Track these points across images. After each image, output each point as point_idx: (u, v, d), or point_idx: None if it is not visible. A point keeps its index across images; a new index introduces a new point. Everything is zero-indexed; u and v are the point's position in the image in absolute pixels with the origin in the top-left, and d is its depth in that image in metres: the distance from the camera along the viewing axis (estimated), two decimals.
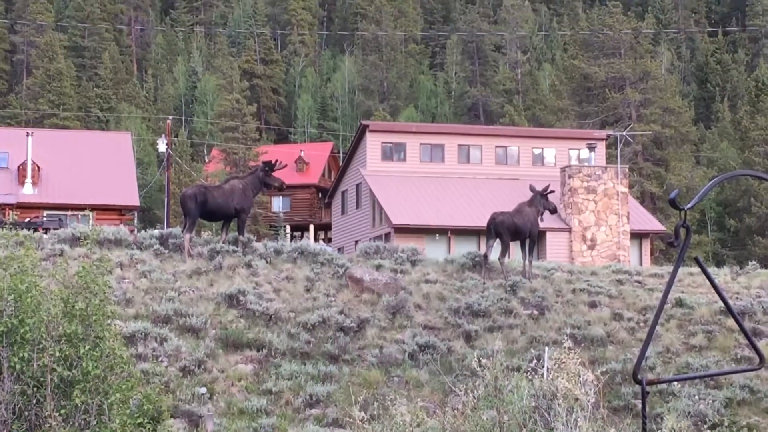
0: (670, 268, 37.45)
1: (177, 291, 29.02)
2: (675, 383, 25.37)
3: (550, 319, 30.09)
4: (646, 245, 55.74)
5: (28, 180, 58.44)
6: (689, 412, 23.48)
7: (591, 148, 55.40)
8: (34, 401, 11.94)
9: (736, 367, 26.53)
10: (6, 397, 11.80)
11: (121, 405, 12.44)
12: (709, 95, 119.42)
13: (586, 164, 54.67)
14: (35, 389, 11.98)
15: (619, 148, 61.20)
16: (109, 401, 12.18)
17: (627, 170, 55.76)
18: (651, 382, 3.06)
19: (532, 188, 35.08)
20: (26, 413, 11.89)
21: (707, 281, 32.86)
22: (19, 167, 58.84)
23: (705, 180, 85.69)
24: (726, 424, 22.05)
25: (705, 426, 20.96)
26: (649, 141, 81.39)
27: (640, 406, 24.30)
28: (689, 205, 2.93)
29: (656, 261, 63.24)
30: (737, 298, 32.19)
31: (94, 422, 11.89)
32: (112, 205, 58.54)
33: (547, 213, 35.24)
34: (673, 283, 3.33)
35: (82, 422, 11.90)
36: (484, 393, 14.87)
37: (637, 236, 54.62)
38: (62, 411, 11.84)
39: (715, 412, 24.54)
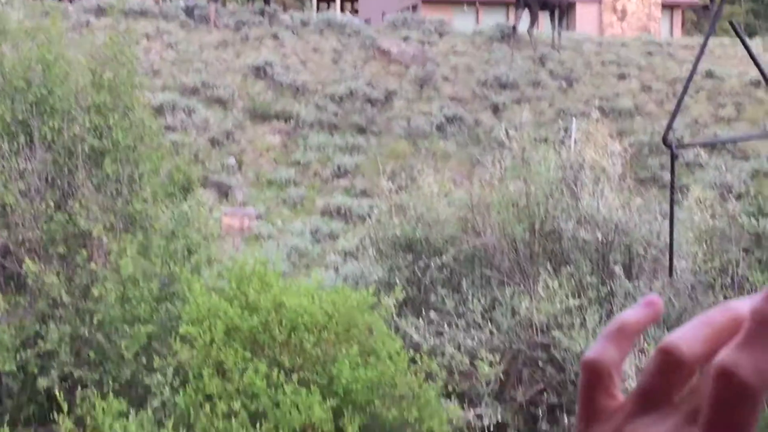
0: (702, 40, 36.78)
1: (204, 62, 28.93)
2: (702, 153, 25.38)
3: (578, 90, 29.94)
4: (678, 16, 54.80)
5: None
6: (715, 183, 23.58)
7: None
8: (66, 170, 12.07)
9: (765, 132, 26.41)
10: (38, 166, 11.93)
11: (151, 174, 12.57)
12: None
13: None
14: (66, 158, 12.09)
15: None
16: (140, 171, 12.30)
17: None
18: (681, 146, 3.05)
19: None
20: (59, 182, 12.04)
21: (739, 52, 32.34)
22: None
23: None
24: (752, 194, 22.13)
25: (730, 196, 21.07)
26: None
27: (667, 177, 24.42)
28: None
29: (687, 32, 62.29)
30: None
31: (126, 191, 12.04)
32: None
33: None
34: (704, 53, 3.26)
35: (114, 191, 12.06)
36: (511, 164, 14.93)
37: (669, 7, 53.63)
38: (94, 180, 11.98)
39: (741, 183, 24.65)
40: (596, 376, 0.71)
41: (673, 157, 2.81)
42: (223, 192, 23.46)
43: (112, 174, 12.00)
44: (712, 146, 26.32)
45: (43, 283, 11.24)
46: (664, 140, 2.83)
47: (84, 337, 11.13)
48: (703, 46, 3.38)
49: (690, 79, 3.18)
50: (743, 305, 0.67)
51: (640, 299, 0.74)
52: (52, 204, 11.69)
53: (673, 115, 2.87)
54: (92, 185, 11.84)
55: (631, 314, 0.73)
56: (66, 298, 11.20)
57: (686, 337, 0.68)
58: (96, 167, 12.14)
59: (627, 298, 12.86)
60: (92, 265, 11.40)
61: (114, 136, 12.16)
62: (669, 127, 2.83)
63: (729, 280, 13.58)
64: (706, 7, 52.82)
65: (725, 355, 0.64)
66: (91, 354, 10.97)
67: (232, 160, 24.86)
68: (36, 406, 11.01)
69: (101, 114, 12.21)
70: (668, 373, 0.68)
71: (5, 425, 10.37)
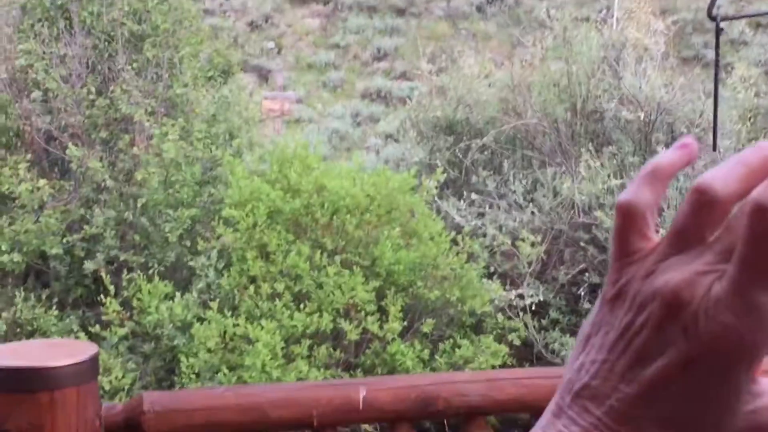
0: None
1: None
2: (747, 30, 24.96)
3: None
4: None
5: None
6: (760, 61, 23.25)
7: None
8: (106, 55, 12.08)
9: None
10: (78, 51, 11.94)
11: (191, 59, 12.55)
12: None
13: None
14: (106, 43, 12.09)
15: None
16: (180, 55, 12.29)
17: None
18: (726, 18, 3.00)
19: None
20: (99, 67, 12.05)
21: None
22: None
23: None
24: None
25: None
26: None
27: (710, 55, 24.12)
28: None
29: None
30: None
31: (166, 76, 12.04)
32: None
33: None
34: None
35: (154, 76, 12.06)
36: (552, 44, 14.79)
37: None
38: (134, 65, 11.98)
39: None
40: (630, 218, 0.71)
41: (718, 32, 2.77)
42: (263, 76, 23.43)
43: (152, 58, 12.00)
44: (757, 23, 25.91)
45: (87, 168, 11.34)
46: (709, 13, 2.78)
47: (128, 221, 11.25)
48: None
49: None
50: None
51: (676, 143, 0.75)
52: (93, 89, 11.72)
53: None
54: (133, 70, 11.84)
55: (665, 157, 0.73)
56: (110, 183, 11.30)
57: (720, 175, 0.68)
58: (136, 52, 12.14)
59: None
60: (135, 149, 11.47)
61: (153, 20, 12.12)
62: (713, 0, 2.78)
63: None
64: None
65: (760, 191, 0.65)
66: (136, 237, 11.10)
67: (271, 44, 24.76)
68: (83, 288, 11.18)
69: None
70: (702, 212, 0.68)
71: (54, 307, 10.55)
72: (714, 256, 0.67)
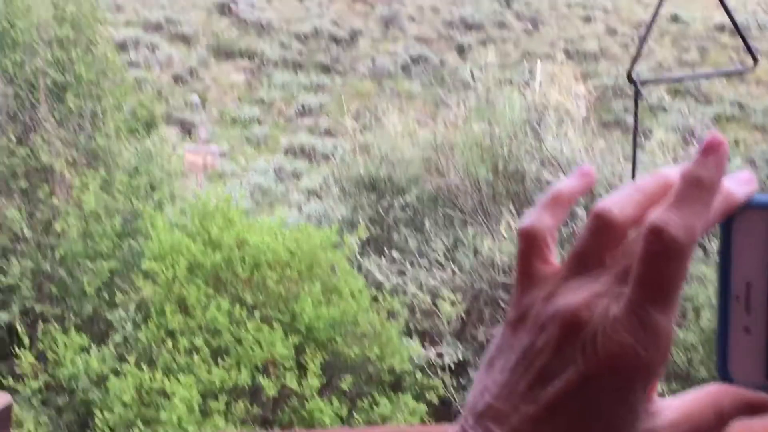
0: None
1: None
2: (665, 97, 25.46)
3: (543, 32, 29.90)
4: None
5: None
6: (678, 127, 23.70)
7: None
8: (28, 104, 11.96)
9: (728, 69, 26.56)
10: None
11: (114, 110, 12.48)
12: None
13: None
14: (29, 92, 11.98)
15: None
16: (103, 106, 12.22)
17: None
18: (645, 82, 3.06)
19: None
20: (21, 116, 11.93)
21: None
22: None
23: None
24: None
25: (693, 140, 21.18)
26: None
27: (630, 120, 24.53)
28: None
29: None
30: (733, 13, 31.87)
31: (89, 126, 11.95)
32: None
33: None
34: None
35: (77, 126, 11.97)
36: (475, 105, 14.94)
37: None
38: (56, 115, 11.88)
39: (704, 128, 24.79)
40: (532, 243, 0.73)
41: (637, 94, 2.83)
42: (187, 129, 23.36)
43: (75, 109, 11.91)
44: (675, 90, 26.42)
45: (5, 217, 11.18)
46: (629, 76, 2.84)
47: (46, 272, 11.09)
48: None
49: (655, 16, 3.19)
50: (674, 171, 0.70)
51: (575, 169, 0.77)
52: (14, 138, 11.60)
53: (638, 51, 2.88)
54: (54, 120, 11.74)
55: (565, 183, 0.75)
56: (28, 233, 11.15)
57: (618, 200, 0.71)
58: (58, 102, 12.04)
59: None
60: (54, 200, 11.34)
61: (77, 70, 12.05)
62: (634, 62, 2.84)
63: None
64: None
65: (656, 214, 0.67)
66: (53, 289, 10.95)
67: (195, 98, 24.72)
68: None
69: (63, 48, 12.09)
70: (600, 236, 0.70)
71: None
72: (612, 278, 0.69)
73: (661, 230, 0.66)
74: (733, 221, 0.71)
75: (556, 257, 0.74)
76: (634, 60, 2.79)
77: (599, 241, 0.70)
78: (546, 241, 0.73)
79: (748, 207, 0.71)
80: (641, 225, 0.68)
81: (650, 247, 0.66)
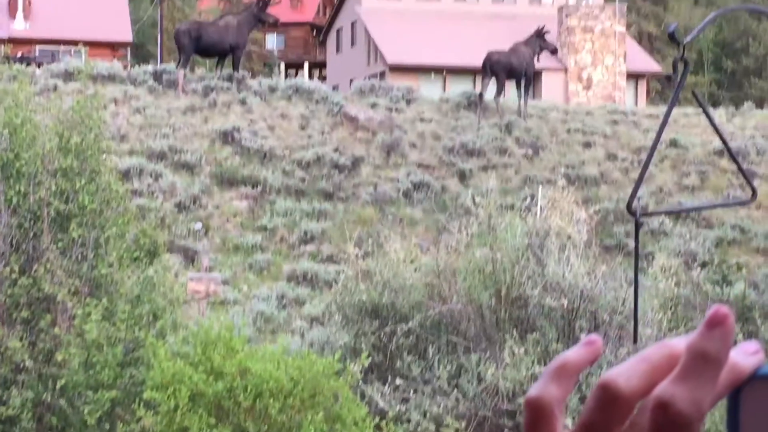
0: (665, 109, 37.23)
1: (171, 127, 28.97)
2: (667, 221, 25.56)
3: (544, 158, 30.16)
4: (642, 86, 55.47)
5: (20, 14, 57.56)
6: (680, 251, 23.73)
7: None
8: (32, 234, 12.02)
9: (729, 200, 26.66)
10: (3, 230, 11.88)
11: (117, 239, 12.53)
12: None
13: (583, 3, 53.95)
14: (32, 223, 12.05)
15: None
16: (106, 235, 12.27)
17: (625, 9, 55.05)
18: (645, 214, 3.07)
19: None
20: (24, 246, 11.98)
21: (702, 121, 32.72)
22: (9, 1, 57.86)
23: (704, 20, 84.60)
24: (716, 262, 22.29)
25: (695, 264, 21.19)
26: None
27: (632, 244, 24.57)
28: (688, 39, 2.89)
29: (652, 102, 63.00)
30: (732, 138, 32.20)
31: (92, 255, 11.99)
32: (105, 41, 57.79)
33: (544, 53, 35.04)
34: (668, 122, 3.30)
35: (79, 255, 12.01)
36: (477, 231, 14.99)
37: (634, 77, 54.26)
38: (59, 244, 11.93)
39: (706, 251, 24.82)
40: (539, 414, 0.73)
41: (638, 226, 2.84)
42: (190, 257, 23.40)
43: (78, 238, 11.96)
44: (676, 214, 26.52)
45: (6, 347, 11.14)
46: (629, 208, 2.85)
47: (47, 403, 11.01)
48: (667, 115, 3.42)
49: (654, 148, 3.21)
50: (679, 342, 0.70)
51: (582, 338, 0.77)
52: (16, 268, 11.62)
53: (638, 184, 2.90)
54: (57, 249, 11.78)
55: (572, 354, 0.75)
56: (29, 363, 11.10)
57: (624, 372, 0.71)
58: (62, 231, 12.09)
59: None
60: (56, 329, 11.32)
61: (80, 200, 12.13)
62: (633, 195, 2.86)
63: None
64: (669, 77, 53.26)
65: (662, 387, 0.68)
66: (54, 420, 10.85)
67: (198, 225, 24.82)
68: None
69: (67, 178, 12.19)
70: (607, 408, 0.70)
71: None
72: None
73: (668, 405, 0.67)
74: (741, 393, 0.71)
75: (563, 428, 0.74)
76: (634, 192, 2.80)
77: (606, 414, 0.70)
78: (553, 412, 0.74)
79: (755, 378, 0.71)
80: (648, 396, 0.69)
81: (657, 422, 0.67)
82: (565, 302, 13.48)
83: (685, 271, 15.71)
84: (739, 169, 3.03)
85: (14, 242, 11.98)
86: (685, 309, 14.38)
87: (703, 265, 23.01)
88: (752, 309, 20.07)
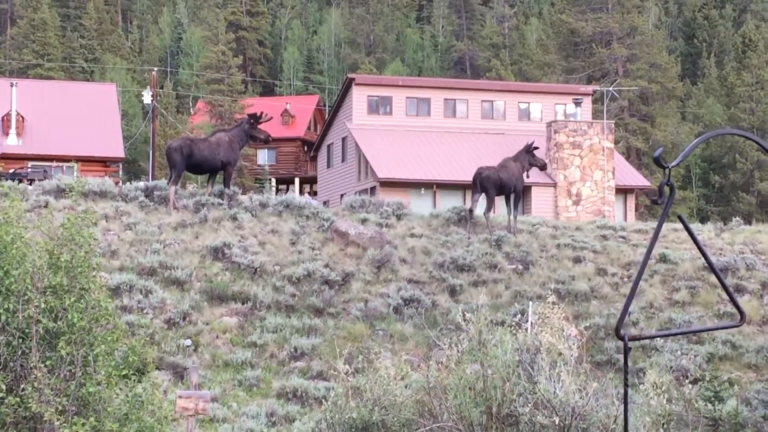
0: (655, 224, 37.58)
1: (162, 243, 29.03)
2: (658, 338, 25.53)
3: (534, 273, 30.21)
4: (631, 201, 55.85)
5: (12, 131, 58.01)
6: (671, 367, 23.65)
7: (577, 103, 55.29)
8: (20, 352, 11.94)
9: (718, 323, 26.69)
10: None
11: (106, 356, 12.44)
12: (695, 51, 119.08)
13: (572, 119, 54.60)
14: (20, 340, 11.97)
15: (605, 104, 61.09)
16: (95, 353, 12.19)
17: (613, 126, 55.71)
18: (633, 338, 3.09)
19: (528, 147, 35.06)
20: (11, 364, 11.90)
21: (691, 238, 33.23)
22: (3, 118, 58.36)
23: (690, 136, 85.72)
24: (707, 378, 22.22)
25: (687, 380, 21.12)
26: (635, 96, 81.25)
27: (622, 361, 24.50)
28: (674, 164, 2.94)
29: (641, 216, 63.39)
30: (721, 254, 32.34)
31: (80, 373, 11.90)
32: (97, 157, 58.19)
33: (533, 169, 35.40)
34: (657, 239, 3.35)
35: (68, 373, 11.92)
36: (468, 347, 14.94)
37: (622, 192, 54.68)
38: (47, 362, 11.84)
39: (697, 367, 24.74)
40: None
41: (626, 351, 2.86)
42: (179, 374, 23.25)
43: (67, 356, 11.87)
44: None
45: None
46: (617, 333, 2.87)
47: None
48: (655, 235, 3.46)
49: (643, 266, 3.25)
50: None
51: None
52: (3, 387, 11.52)
53: (625, 308, 2.92)
54: (46, 367, 11.69)
55: None
56: None
57: None
58: (50, 349, 12.02)
59: None
60: None
61: (69, 317, 12.07)
62: (621, 319, 2.88)
63: None
64: (656, 201, 53.96)
65: None
66: None
67: (188, 342, 24.71)
68: None
69: (57, 295, 12.15)
70: None
71: None
72: None
73: None
74: None
75: None
76: (622, 317, 2.83)
77: None
78: None
79: None
80: None
81: None
82: (557, 419, 13.38)
83: (677, 388, 15.64)
84: (727, 293, 3.05)
85: (2, 360, 11.89)
86: (677, 426, 14.29)
87: (695, 381, 22.94)
88: (744, 426, 19.97)
